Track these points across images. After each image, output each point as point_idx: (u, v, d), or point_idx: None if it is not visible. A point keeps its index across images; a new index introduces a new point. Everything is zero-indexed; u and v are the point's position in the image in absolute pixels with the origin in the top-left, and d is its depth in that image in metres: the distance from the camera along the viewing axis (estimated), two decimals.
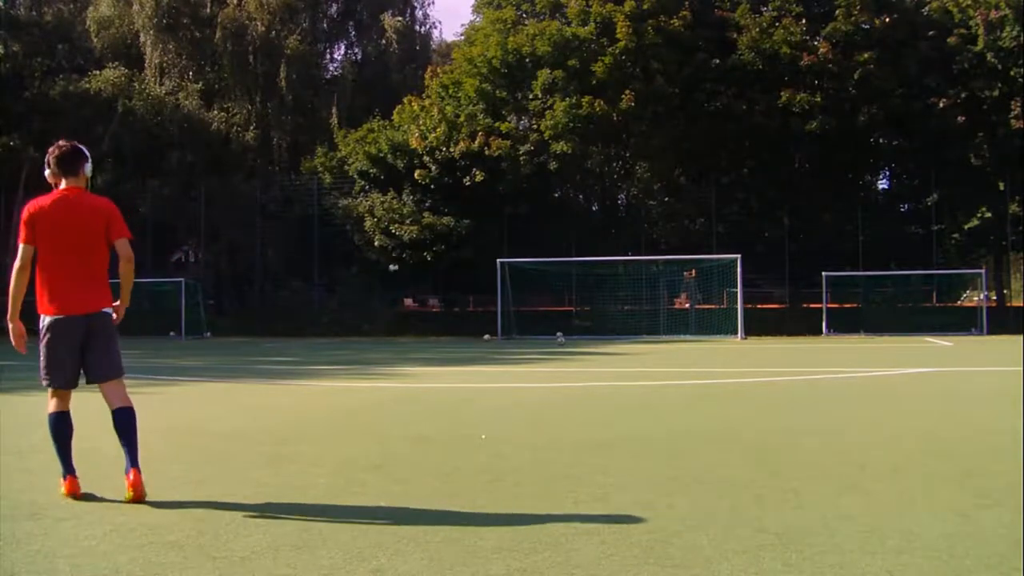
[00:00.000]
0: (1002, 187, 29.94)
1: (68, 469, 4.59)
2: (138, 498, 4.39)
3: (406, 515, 4.10)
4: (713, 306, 31.06)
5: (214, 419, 8.03)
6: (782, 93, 29.05)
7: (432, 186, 31.15)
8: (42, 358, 4.65)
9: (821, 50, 29.28)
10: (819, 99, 29.06)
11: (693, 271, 31.08)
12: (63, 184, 4.68)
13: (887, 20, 29.61)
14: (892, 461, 5.46)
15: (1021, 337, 22.54)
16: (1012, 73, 27.95)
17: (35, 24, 41.37)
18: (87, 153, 4.78)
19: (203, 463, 5.56)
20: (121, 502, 4.42)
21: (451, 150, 30.55)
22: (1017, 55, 27.83)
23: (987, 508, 4.18)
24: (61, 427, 4.65)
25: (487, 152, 30.14)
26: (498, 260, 28.60)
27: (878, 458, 5.57)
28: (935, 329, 28.38)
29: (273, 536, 3.76)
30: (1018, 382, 10.40)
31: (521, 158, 30.21)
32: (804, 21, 30.15)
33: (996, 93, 28.29)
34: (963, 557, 3.39)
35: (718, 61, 29.91)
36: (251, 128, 37.75)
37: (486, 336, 26.99)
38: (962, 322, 29.03)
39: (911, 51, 29.28)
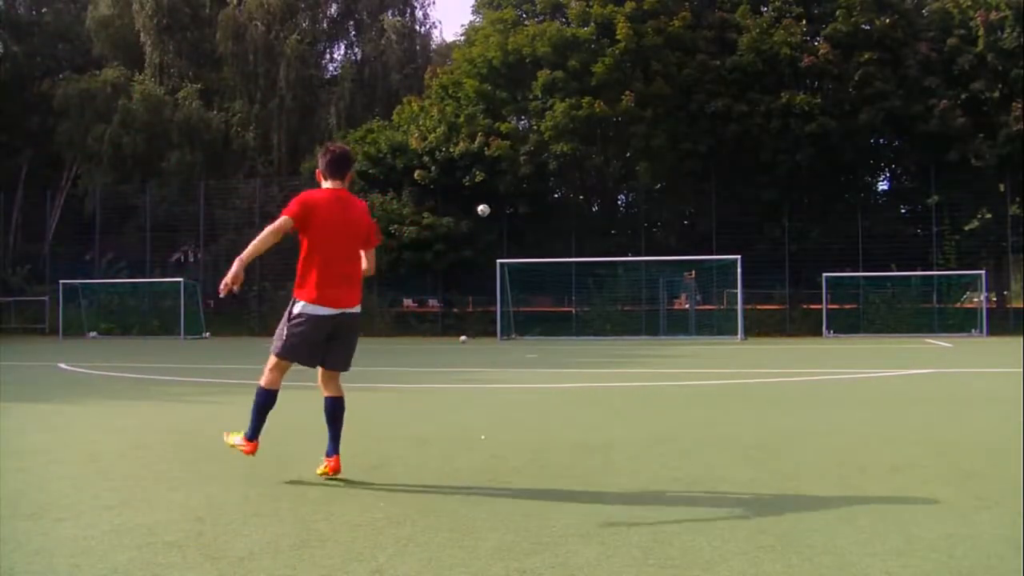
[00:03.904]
0: (1002, 189, 29.93)
1: (255, 435, 5.01)
2: (332, 474, 4.90)
3: (406, 515, 4.10)
4: (713, 307, 31.07)
5: (213, 419, 8.04)
6: (782, 94, 29.08)
7: (432, 186, 31.17)
8: (290, 336, 4.85)
9: (821, 51, 29.31)
10: (819, 100, 29.08)
11: (693, 272, 31.08)
12: (327, 184, 4.98)
13: (887, 21, 29.64)
14: (892, 462, 5.46)
15: (1021, 339, 22.56)
16: (1012, 74, 27.96)
17: (35, 24, 41.44)
18: (353, 159, 5.19)
19: (202, 463, 5.56)
20: (120, 504, 4.42)
21: (451, 150, 30.56)
22: (1017, 56, 27.84)
23: (987, 509, 4.18)
24: (271, 402, 5.00)
25: (487, 152, 30.16)
26: (498, 260, 28.59)
27: (878, 458, 5.57)
28: (935, 330, 28.40)
29: (273, 536, 3.76)
30: (1018, 384, 10.40)
31: (521, 158, 30.21)
32: (804, 22, 30.19)
33: (996, 94, 28.31)
34: (962, 558, 3.39)
35: (718, 62, 29.93)
36: (251, 128, 37.76)
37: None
38: (962, 323, 29.04)
39: (911, 52, 29.30)
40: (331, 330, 4.87)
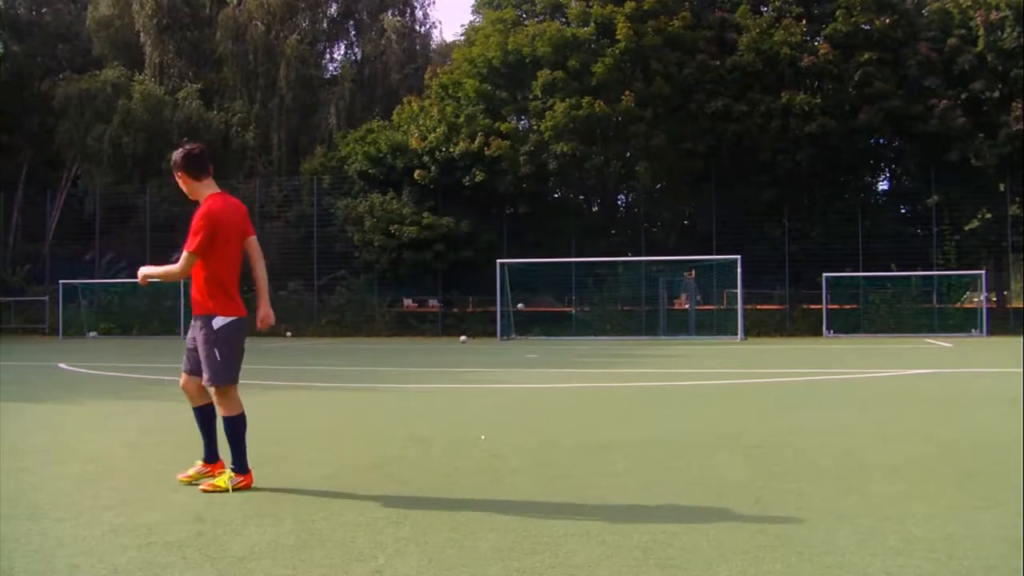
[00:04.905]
0: (1002, 188, 29.91)
1: (244, 465, 4.79)
2: (191, 481, 4.83)
3: (406, 515, 4.10)
4: (713, 307, 31.04)
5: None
6: (782, 94, 29.06)
7: (432, 186, 31.16)
8: (231, 357, 4.75)
9: (821, 51, 29.28)
10: (819, 100, 29.07)
11: (692, 271, 31.06)
12: (202, 187, 4.75)
13: (887, 21, 29.61)
14: (892, 461, 5.46)
15: (1021, 338, 22.55)
16: (1012, 74, 27.94)
17: (35, 24, 41.44)
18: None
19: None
20: (120, 504, 4.42)
21: (451, 150, 30.55)
22: (1017, 56, 27.82)
23: (987, 509, 4.18)
24: (245, 424, 4.84)
25: (487, 152, 30.14)
26: (498, 260, 28.58)
27: (878, 458, 5.57)
28: (935, 330, 28.39)
29: (273, 536, 3.76)
30: (1018, 383, 10.40)
31: (521, 158, 30.20)
32: (804, 22, 30.16)
33: (996, 94, 28.28)
34: (962, 558, 3.39)
35: (718, 62, 29.91)
36: (251, 128, 37.76)
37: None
38: (962, 323, 29.02)
39: (911, 52, 29.28)
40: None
